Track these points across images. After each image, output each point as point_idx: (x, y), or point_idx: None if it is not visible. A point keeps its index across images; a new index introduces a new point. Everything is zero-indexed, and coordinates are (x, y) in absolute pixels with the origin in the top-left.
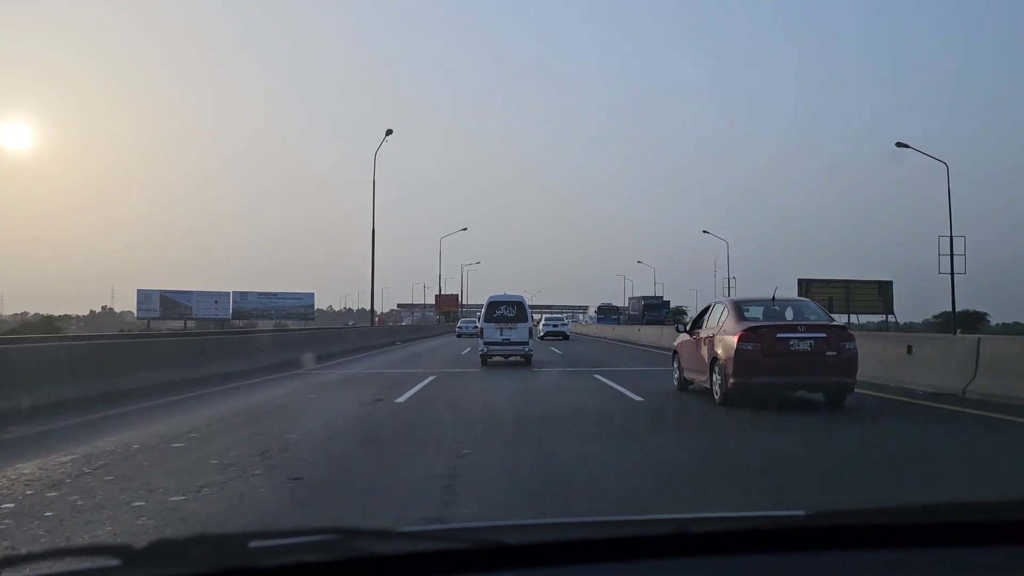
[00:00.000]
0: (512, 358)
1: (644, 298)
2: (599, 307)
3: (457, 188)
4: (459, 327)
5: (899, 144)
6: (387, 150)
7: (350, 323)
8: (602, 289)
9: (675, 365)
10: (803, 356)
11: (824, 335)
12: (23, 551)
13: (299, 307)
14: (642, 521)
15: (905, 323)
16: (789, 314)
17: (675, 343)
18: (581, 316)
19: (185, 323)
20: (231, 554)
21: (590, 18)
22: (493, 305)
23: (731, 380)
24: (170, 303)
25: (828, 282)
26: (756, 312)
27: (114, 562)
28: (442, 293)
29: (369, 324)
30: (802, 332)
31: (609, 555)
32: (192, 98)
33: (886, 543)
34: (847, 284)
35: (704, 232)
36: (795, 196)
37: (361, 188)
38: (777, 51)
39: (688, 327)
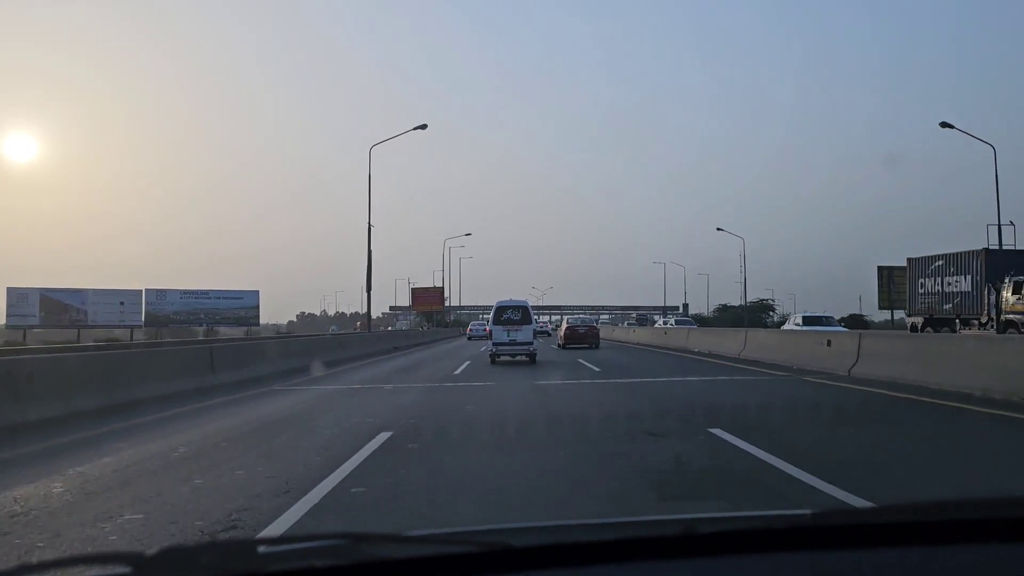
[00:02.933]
0: (518, 357)
1: None
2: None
3: (461, 191)
4: (471, 329)
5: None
6: (390, 153)
7: (333, 328)
8: (623, 287)
9: (557, 340)
10: (582, 334)
11: (588, 328)
12: (35, 560)
13: (237, 309)
14: (648, 522)
15: None
16: (582, 320)
17: (557, 332)
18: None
19: (79, 333)
20: (240, 560)
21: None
22: (500, 310)
23: (563, 342)
24: (55, 306)
25: None
26: (572, 321)
27: (125, 569)
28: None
29: (361, 329)
30: (583, 327)
31: (616, 556)
32: (197, 105)
33: (892, 542)
34: None
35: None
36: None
37: (357, 190)
38: (776, 48)
39: (557, 327)
